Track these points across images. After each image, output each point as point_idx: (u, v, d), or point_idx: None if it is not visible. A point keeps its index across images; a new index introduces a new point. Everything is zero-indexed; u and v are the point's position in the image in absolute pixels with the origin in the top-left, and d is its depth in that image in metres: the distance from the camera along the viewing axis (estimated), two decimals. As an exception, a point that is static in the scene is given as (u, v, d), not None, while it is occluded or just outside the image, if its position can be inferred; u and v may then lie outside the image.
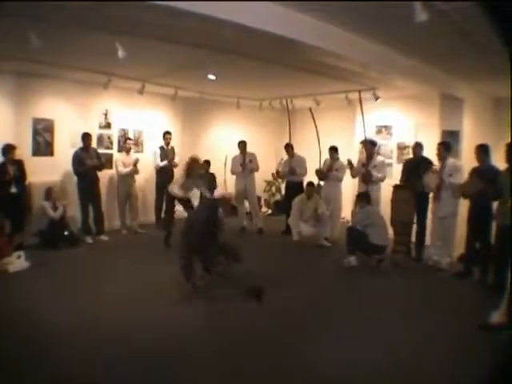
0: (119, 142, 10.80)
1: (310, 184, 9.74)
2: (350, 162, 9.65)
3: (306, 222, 9.54)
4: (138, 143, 11.19)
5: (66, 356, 4.46)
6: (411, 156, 8.96)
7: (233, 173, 11.15)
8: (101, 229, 9.72)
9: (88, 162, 9.23)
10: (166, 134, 10.84)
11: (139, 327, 5.20)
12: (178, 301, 6.06)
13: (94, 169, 9.39)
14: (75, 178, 9.35)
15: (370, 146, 9.41)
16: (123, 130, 10.91)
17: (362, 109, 9.56)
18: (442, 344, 4.96)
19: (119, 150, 10.69)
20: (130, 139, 10.62)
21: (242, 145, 10.96)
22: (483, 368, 3.30)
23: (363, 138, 9.76)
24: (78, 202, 9.48)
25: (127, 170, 10.15)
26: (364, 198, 8.26)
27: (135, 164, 10.22)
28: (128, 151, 10.38)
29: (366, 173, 9.11)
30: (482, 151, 7.27)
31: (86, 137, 9.39)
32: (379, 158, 9.49)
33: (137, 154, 10.72)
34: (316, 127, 10.27)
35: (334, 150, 10.12)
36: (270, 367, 4.39)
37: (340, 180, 10.12)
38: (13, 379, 4.01)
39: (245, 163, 10.77)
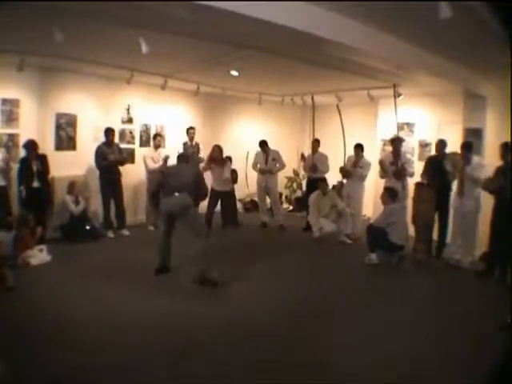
0: (141, 136, 10.87)
1: (323, 180, 9.76)
2: (381, 162, 9.57)
3: (327, 217, 9.52)
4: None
5: (83, 349, 4.51)
6: (433, 153, 8.90)
7: (254, 169, 11.13)
8: (122, 223, 9.78)
9: (111, 156, 9.28)
10: (190, 130, 10.84)
11: (156, 322, 5.25)
12: (195, 296, 6.08)
13: (116, 163, 9.45)
14: (98, 173, 9.41)
15: (398, 143, 9.32)
16: (145, 125, 10.96)
17: (395, 105, 9.40)
18: (462, 344, 4.93)
19: (141, 145, 10.78)
20: (160, 135, 10.60)
21: (264, 144, 10.83)
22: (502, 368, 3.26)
23: (393, 136, 9.71)
24: (100, 196, 9.56)
25: (157, 165, 10.08)
26: (391, 194, 8.20)
27: (166, 160, 10.22)
28: (157, 147, 10.38)
29: (401, 169, 9.03)
30: (505, 149, 7.21)
31: (109, 132, 9.43)
32: (407, 156, 9.49)
33: (146, 149, 10.74)
34: (342, 124, 10.20)
35: (359, 148, 10.06)
36: (285, 365, 4.41)
37: (364, 178, 10.07)
38: (31, 371, 4.06)
39: (267, 162, 10.72)
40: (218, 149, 9.73)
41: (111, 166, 9.34)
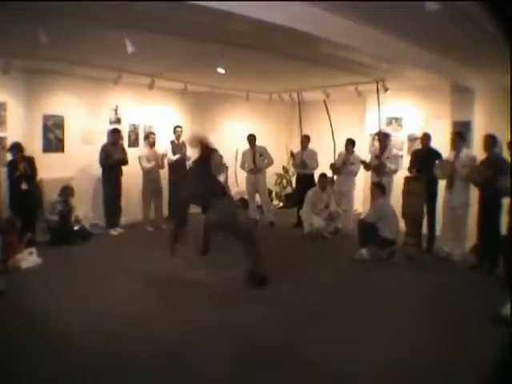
0: (129, 136, 10.83)
1: (324, 175, 9.72)
2: (364, 162, 9.64)
3: (319, 214, 9.53)
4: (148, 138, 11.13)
5: (76, 352, 4.48)
6: (419, 147, 9.00)
7: (242, 168, 11.10)
8: (117, 221, 9.88)
9: (115, 156, 9.47)
10: (177, 128, 10.89)
11: (148, 324, 5.23)
12: (189, 297, 6.07)
13: (120, 163, 9.63)
14: (87, 174, 9.62)
15: (384, 137, 9.35)
16: (133, 125, 10.94)
17: (378, 99, 9.45)
18: (454, 337, 4.96)
19: (129, 145, 10.70)
20: (152, 134, 10.59)
21: (251, 138, 10.85)
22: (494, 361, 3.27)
23: (378, 130, 9.73)
24: (92, 198, 9.83)
25: (151, 165, 10.21)
26: (378, 189, 8.22)
27: (162, 159, 10.39)
28: (151, 146, 10.42)
29: (380, 164, 9.05)
30: (490, 141, 7.26)
31: (115, 132, 9.69)
32: (393, 151, 9.47)
33: (141, 149, 10.79)
34: (330, 120, 10.20)
35: (350, 143, 10.07)
36: (274, 361, 4.41)
37: (355, 174, 10.09)
38: (24, 375, 4.04)
39: (254, 159, 10.71)
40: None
41: (115, 164, 9.52)
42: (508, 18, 2.28)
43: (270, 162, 10.94)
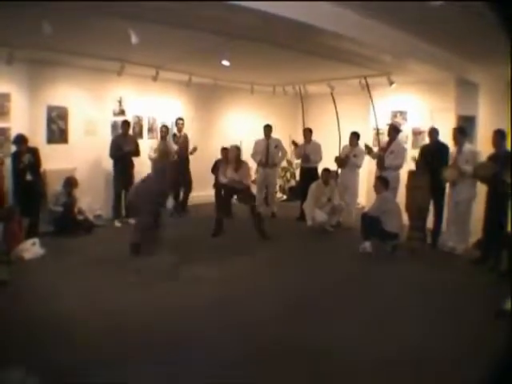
0: (134, 128, 10.79)
1: (326, 170, 9.67)
2: (367, 147, 9.58)
3: (321, 208, 9.50)
4: (152, 129, 11.23)
5: (78, 344, 4.48)
6: (427, 142, 8.87)
7: (254, 158, 10.95)
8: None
9: (125, 147, 9.51)
10: (179, 120, 10.91)
11: (151, 315, 5.23)
12: (190, 290, 6.08)
13: (130, 154, 9.67)
14: (91, 165, 9.70)
15: (393, 131, 9.30)
16: (137, 116, 10.93)
17: (370, 94, 9.43)
18: (456, 331, 4.94)
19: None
20: (165, 126, 10.67)
21: (268, 129, 10.80)
22: (497, 355, 3.26)
23: (389, 123, 9.69)
24: (95, 189, 9.80)
25: (156, 155, 10.20)
26: (382, 183, 8.19)
27: (176, 153, 10.40)
28: (163, 138, 10.50)
29: (380, 159, 9.01)
30: (499, 136, 7.22)
31: (124, 124, 9.77)
32: (400, 145, 9.38)
33: (151, 141, 10.84)
34: (337, 113, 10.15)
35: (355, 136, 10.02)
36: (286, 354, 4.40)
37: (358, 166, 10.06)
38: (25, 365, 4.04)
39: (268, 150, 10.69)
40: (235, 150, 8.93)
41: (125, 156, 9.56)
42: (509, 16, 2.27)
43: (284, 155, 10.98)
